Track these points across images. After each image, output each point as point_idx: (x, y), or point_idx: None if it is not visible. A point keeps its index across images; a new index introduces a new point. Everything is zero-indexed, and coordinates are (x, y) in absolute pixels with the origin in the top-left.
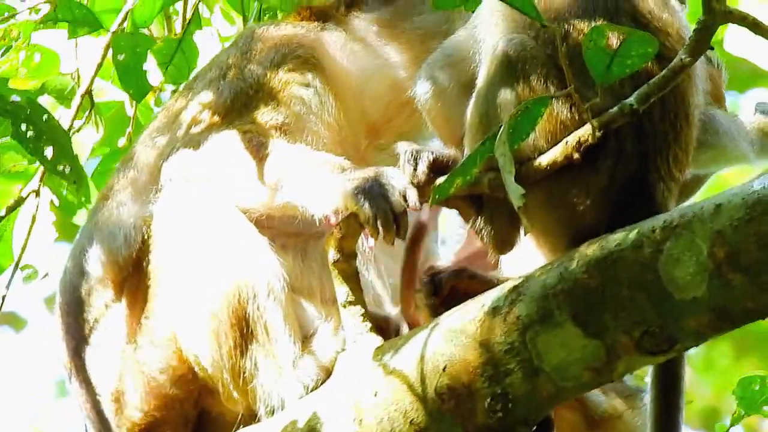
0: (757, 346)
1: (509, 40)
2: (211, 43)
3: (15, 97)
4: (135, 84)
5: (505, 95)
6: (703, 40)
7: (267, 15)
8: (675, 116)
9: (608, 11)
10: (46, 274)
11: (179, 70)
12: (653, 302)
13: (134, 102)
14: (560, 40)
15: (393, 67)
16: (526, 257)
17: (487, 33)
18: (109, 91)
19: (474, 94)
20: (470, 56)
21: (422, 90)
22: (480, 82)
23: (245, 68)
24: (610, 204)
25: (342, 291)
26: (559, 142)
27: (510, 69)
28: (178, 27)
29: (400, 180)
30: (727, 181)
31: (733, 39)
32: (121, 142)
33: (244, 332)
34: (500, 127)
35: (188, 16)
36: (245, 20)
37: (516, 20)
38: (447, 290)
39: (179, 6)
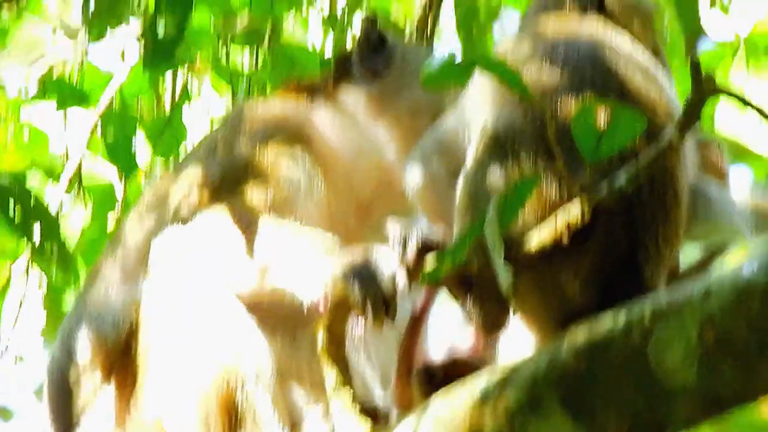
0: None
1: (498, 118)
2: (199, 118)
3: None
4: (124, 159)
5: (495, 174)
6: (692, 117)
7: (256, 89)
8: (664, 195)
9: (596, 86)
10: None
11: (168, 146)
12: (642, 388)
13: (123, 178)
14: (550, 117)
15: (383, 143)
16: (522, 339)
17: (476, 111)
18: (99, 167)
19: (462, 174)
20: (460, 141)
21: (412, 179)
22: (469, 160)
23: (235, 145)
24: (599, 284)
25: (331, 375)
26: (548, 220)
27: (499, 147)
28: (167, 104)
29: (389, 262)
30: None
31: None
32: (110, 219)
33: (232, 418)
34: (489, 208)
35: (177, 90)
36: (234, 94)
37: (505, 98)
38: (441, 377)
39: (168, 83)
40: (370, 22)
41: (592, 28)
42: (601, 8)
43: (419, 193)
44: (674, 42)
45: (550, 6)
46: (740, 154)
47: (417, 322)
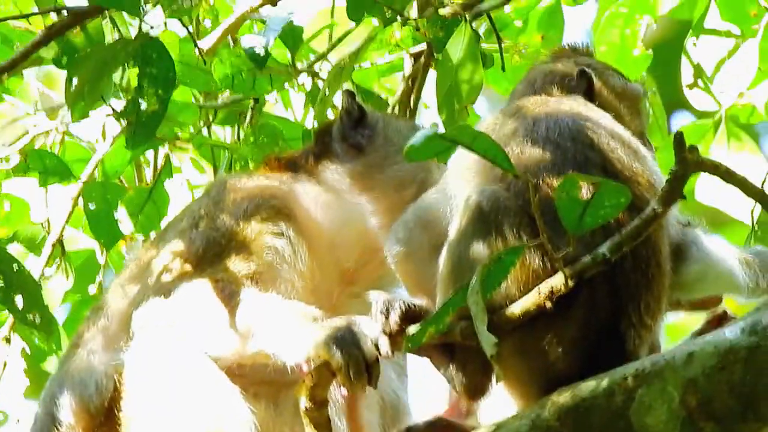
0: None
1: (482, 192)
2: (181, 192)
3: None
4: (106, 233)
5: (478, 245)
6: (675, 189)
7: (238, 165)
8: (647, 265)
9: (578, 163)
10: (18, 420)
11: (150, 220)
12: None
13: (105, 250)
14: (533, 190)
15: (366, 216)
16: (504, 405)
17: (460, 185)
18: (80, 240)
19: (446, 244)
20: (442, 214)
21: (394, 252)
22: (452, 232)
23: (217, 218)
24: (582, 352)
25: None
26: (532, 291)
27: (483, 219)
28: (148, 175)
29: (372, 329)
30: None
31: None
32: (92, 289)
33: None
34: (473, 277)
35: (159, 164)
36: (215, 170)
37: (488, 172)
38: None
39: (150, 155)
40: (350, 96)
41: (573, 105)
42: (588, 93)
43: (400, 266)
44: (656, 115)
45: (537, 89)
46: (717, 223)
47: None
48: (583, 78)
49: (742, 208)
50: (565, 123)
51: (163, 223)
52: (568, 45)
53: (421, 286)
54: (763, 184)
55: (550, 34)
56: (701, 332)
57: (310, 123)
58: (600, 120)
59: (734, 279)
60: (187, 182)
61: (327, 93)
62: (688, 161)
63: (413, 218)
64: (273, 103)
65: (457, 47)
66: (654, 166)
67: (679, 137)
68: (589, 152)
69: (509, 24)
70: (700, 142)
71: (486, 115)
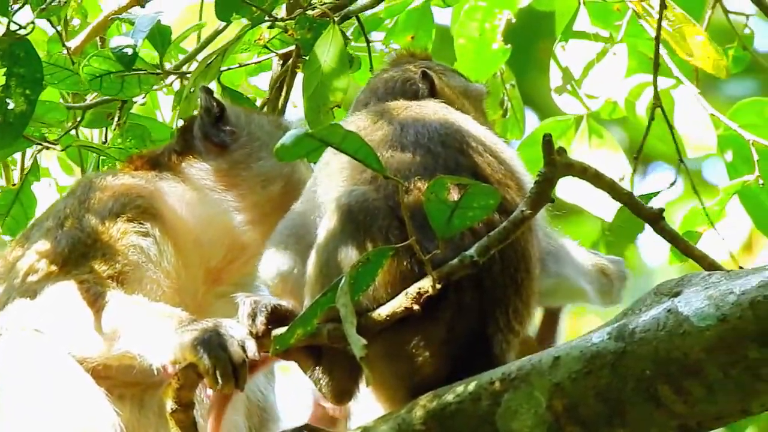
0: None
1: (351, 192)
2: (49, 193)
3: None
4: None
5: (346, 247)
6: (543, 192)
7: (106, 166)
8: (515, 270)
9: (448, 167)
10: None
11: (17, 221)
12: None
13: None
14: (402, 192)
15: (232, 213)
16: (375, 409)
17: (329, 186)
18: None
19: (315, 246)
20: (313, 222)
21: (268, 275)
22: (321, 233)
23: (83, 218)
24: (450, 356)
25: None
26: (400, 293)
27: (351, 221)
28: (15, 176)
29: (238, 331)
30: None
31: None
32: None
33: None
34: (341, 278)
35: (26, 165)
36: (83, 171)
37: (357, 172)
38: None
39: (17, 156)
40: (207, 93)
41: (437, 109)
42: (432, 95)
43: (274, 286)
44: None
45: (380, 96)
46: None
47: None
48: (426, 79)
49: (602, 205)
50: (434, 128)
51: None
52: (406, 50)
53: (298, 299)
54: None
55: (420, 35)
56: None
57: (178, 124)
58: (466, 124)
59: (585, 294)
60: (55, 183)
61: (192, 91)
62: (556, 164)
63: (283, 237)
64: (141, 105)
65: (324, 49)
66: (521, 169)
67: (547, 139)
68: (460, 157)
69: (379, 24)
70: (561, 138)
71: (349, 117)
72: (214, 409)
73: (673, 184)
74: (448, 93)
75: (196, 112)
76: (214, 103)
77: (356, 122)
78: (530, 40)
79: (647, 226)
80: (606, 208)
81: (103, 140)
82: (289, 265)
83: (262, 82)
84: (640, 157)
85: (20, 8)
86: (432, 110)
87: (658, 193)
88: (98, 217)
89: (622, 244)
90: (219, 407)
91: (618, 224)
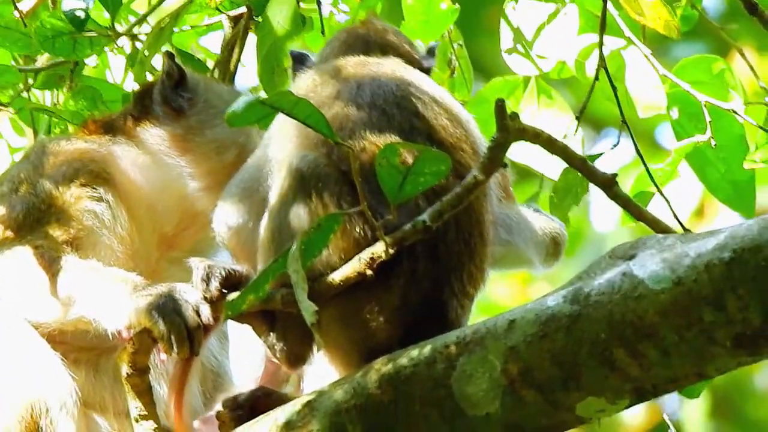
0: None
1: (302, 158)
2: (0, 155)
3: None
4: None
5: (298, 212)
6: (496, 157)
7: (58, 128)
8: (469, 235)
9: (403, 130)
10: None
11: None
12: (446, 419)
13: None
14: (354, 158)
15: (187, 179)
16: (327, 373)
17: (280, 150)
18: None
19: (267, 211)
20: (266, 181)
21: (222, 228)
22: (272, 199)
23: (37, 183)
24: (404, 322)
25: (134, 405)
26: (353, 259)
27: (303, 186)
28: None
29: (193, 296)
30: None
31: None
32: None
33: None
34: (293, 244)
35: None
36: (36, 133)
37: (309, 137)
38: (246, 410)
39: None
40: (170, 58)
41: (395, 68)
42: (384, 52)
43: (228, 241)
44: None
45: (345, 49)
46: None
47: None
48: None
49: (551, 165)
50: (389, 88)
51: None
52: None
53: (252, 256)
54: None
55: None
56: None
57: (129, 86)
58: (423, 84)
59: (532, 263)
60: (7, 144)
61: (146, 54)
62: (509, 129)
63: (236, 191)
64: (93, 67)
65: (277, 10)
66: (477, 133)
67: (500, 104)
68: (414, 120)
69: None
70: (510, 98)
71: (302, 74)
72: (176, 381)
73: (615, 146)
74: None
75: (149, 77)
76: (175, 68)
77: (307, 80)
78: (479, 6)
79: (591, 189)
80: (553, 167)
81: (55, 102)
82: (242, 219)
83: (211, 42)
84: (582, 118)
85: None
86: (390, 69)
87: (601, 155)
88: (52, 182)
89: (566, 206)
90: (182, 376)
91: (562, 186)
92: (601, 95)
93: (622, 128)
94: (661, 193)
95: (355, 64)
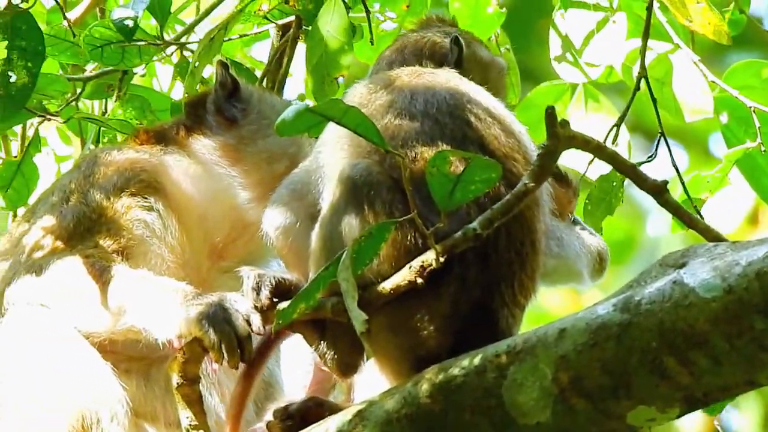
0: None
1: (354, 166)
2: (47, 163)
3: None
4: None
5: (350, 220)
6: (546, 165)
7: (106, 137)
8: (521, 244)
9: (455, 139)
10: None
11: (18, 193)
12: (496, 428)
13: None
14: (404, 166)
15: (237, 189)
16: (377, 382)
17: (332, 158)
18: None
19: (319, 219)
20: (316, 186)
21: (270, 228)
22: (324, 207)
23: (88, 192)
24: (454, 330)
25: (185, 415)
26: (403, 267)
27: (355, 194)
28: (14, 148)
29: (243, 305)
30: None
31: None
32: None
33: None
34: (343, 252)
35: (26, 137)
36: (83, 142)
37: (361, 146)
38: (297, 420)
39: (17, 127)
40: (224, 68)
41: (449, 78)
42: (458, 62)
43: (277, 242)
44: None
45: (407, 56)
46: None
47: (253, 366)
48: (456, 45)
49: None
50: (442, 97)
51: (33, 197)
52: (435, 16)
53: (301, 261)
54: (613, 141)
55: (415, 3)
56: None
57: (177, 95)
58: (477, 95)
59: (581, 277)
60: (54, 153)
61: (197, 65)
62: (559, 136)
63: (287, 192)
64: (141, 75)
65: (327, 19)
66: (529, 143)
67: (550, 111)
68: (467, 129)
69: None
70: (557, 103)
71: (356, 85)
72: (237, 398)
73: (651, 157)
74: (472, 62)
75: (198, 88)
76: (229, 79)
77: (361, 90)
78: (529, 17)
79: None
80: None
81: (103, 111)
82: (290, 220)
83: (258, 52)
84: (634, 126)
85: None
86: (444, 79)
87: (641, 164)
88: (103, 191)
89: (599, 215)
90: (242, 393)
91: (597, 194)
92: (651, 103)
93: (664, 135)
94: (691, 200)
95: (409, 74)
